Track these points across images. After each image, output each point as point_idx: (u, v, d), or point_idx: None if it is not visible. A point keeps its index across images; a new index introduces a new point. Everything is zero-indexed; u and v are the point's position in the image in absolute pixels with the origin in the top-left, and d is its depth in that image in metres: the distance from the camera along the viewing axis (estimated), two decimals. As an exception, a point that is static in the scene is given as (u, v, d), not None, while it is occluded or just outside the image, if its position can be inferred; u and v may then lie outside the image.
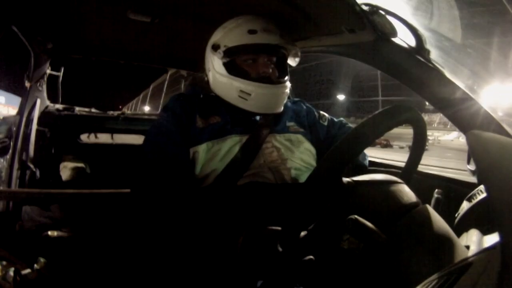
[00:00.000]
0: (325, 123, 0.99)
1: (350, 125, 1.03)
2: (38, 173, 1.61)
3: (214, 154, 0.79)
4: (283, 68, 0.91)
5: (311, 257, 0.53)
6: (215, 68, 0.89)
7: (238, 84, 0.84)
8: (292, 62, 0.94)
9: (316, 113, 1.01)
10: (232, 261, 0.61)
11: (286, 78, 0.90)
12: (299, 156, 0.85)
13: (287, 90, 0.90)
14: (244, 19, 0.87)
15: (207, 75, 0.95)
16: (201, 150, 0.79)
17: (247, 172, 0.79)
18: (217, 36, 0.89)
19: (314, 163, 0.88)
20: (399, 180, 0.60)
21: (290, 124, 0.92)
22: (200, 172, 0.79)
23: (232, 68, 0.86)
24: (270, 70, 0.86)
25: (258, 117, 0.88)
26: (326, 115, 1.02)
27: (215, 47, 0.88)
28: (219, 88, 0.89)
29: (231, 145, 0.80)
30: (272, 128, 0.87)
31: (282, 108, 0.92)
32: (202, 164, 0.79)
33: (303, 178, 0.81)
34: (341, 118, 1.05)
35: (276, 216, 0.72)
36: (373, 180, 0.58)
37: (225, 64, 0.86)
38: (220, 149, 0.80)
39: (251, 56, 0.85)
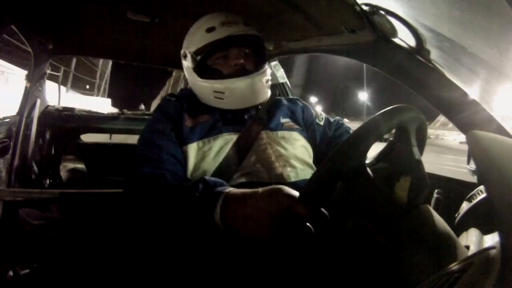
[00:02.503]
0: (322, 123, 0.98)
1: (347, 125, 1.03)
2: (38, 173, 1.61)
3: (205, 154, 0.78)
4: (258, 56, 0.89)
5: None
6: (188, 75, 0.90)
7: (210, 85, 0.84)
8: (269, 46, 0.93)
9: (313, 111, 1.00)
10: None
11: (263, 65, 0.87)
12: (294, 153, 0.83)
13: (266, 78, 0.88)
14: (203, 19, 0.87)
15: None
16: (192, 149, 0.78)
17: (240, 170, 0.77)
18: (184, 44, 0.90)
19: (309, 160, 0.86)
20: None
21: (284, 121, 0.90)
22: (192, 172, 0.77)
23: (204, 71, 0.85)
24: (241, 61, 0.84)
25: (248, 115, 0.87)
26: (323, 114, 1.01)
27: (184, 56, 0.89)
28: (198, 93, 0.89)
29: (222, 144, 0.79)
30: (266, 125, 0.86)
31: (265, 98, 0.89)
32: (194, 164, 0.77)
33: (298, 176, 0.79)
34: (338, 117, 1.04)
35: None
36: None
37: (195, 70, 0.86)
38: (211, 148, 0.78)
39: (220, 53, 0.85)
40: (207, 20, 0.85)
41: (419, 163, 0.54)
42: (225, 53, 0.84)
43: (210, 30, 0.82)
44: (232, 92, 0.83)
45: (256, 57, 0.88)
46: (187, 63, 0.88)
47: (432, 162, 7.61)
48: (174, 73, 8.09)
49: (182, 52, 0.90)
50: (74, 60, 7.32)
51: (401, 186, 0.51)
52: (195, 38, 0.85)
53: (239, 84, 0.83)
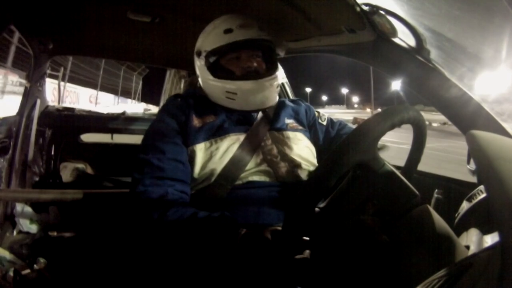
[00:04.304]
0: (324, 123, 0.99)
1: (349, 125, 1.04)
2: (38, 173, 1.61)
3: (213, 154, 0.79)
4: (270, 61, 0.89)
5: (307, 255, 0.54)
6: (201, 73, 0.90)
7: (223, 85, 0.85)
8: (280, 52, 0.93)
9: (315, 112, 1.01)
10: (230, 253, 0.61)
11: (274, 70, 0.88)
12: (298, 153, 0.84)
13: (276, 83, 0.89)
14: (220, 19, 0.87)
15: (198, 80, 0.95)
16: (199, 149, 0.79)
17: (247, 170, 0.78)
18: (199, 42, 0.90)
19: (313, 160, 0.88)
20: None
21: (289, 121, 0.91)
22: (199, 171, 0.78)
23: (217, 70, 0.86)
24: (255, 64, 0.85)
25: (255, 115, 0.88)
26: (326, 115, 1.02)
27: (198, 53, 0.89)
28: (208, 92, 0.90)
29: (229, 144, 0.80)
30: (271, 125, 0.87)
31: (274, 102, 0.91)
32: (201, 163, 0.78)
33: (302, 175, 0.81)
34: (340, 119, 1.05)
35: (274, 214, 0.72)
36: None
37: (209, 68, 0.87)
38: (218, 148, 0.79)
39: (233, 54, 0.85)
40: (224, 21, 0.86)
41: (388, 182, 0.56)
42: (238, 54, 0.85)
43: (227, 31, 0.83)
44: (244, 94, 0.84)
45: (267, 61, 0.89)
46: (200, 62, 0.89)
47: (451, 151, 7.41)
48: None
49: (196, 50, 0.90)
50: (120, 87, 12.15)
51: (367, 213, 0.54)
52: (212, 38, 0.85)
53: (251, 86, 0.84)
